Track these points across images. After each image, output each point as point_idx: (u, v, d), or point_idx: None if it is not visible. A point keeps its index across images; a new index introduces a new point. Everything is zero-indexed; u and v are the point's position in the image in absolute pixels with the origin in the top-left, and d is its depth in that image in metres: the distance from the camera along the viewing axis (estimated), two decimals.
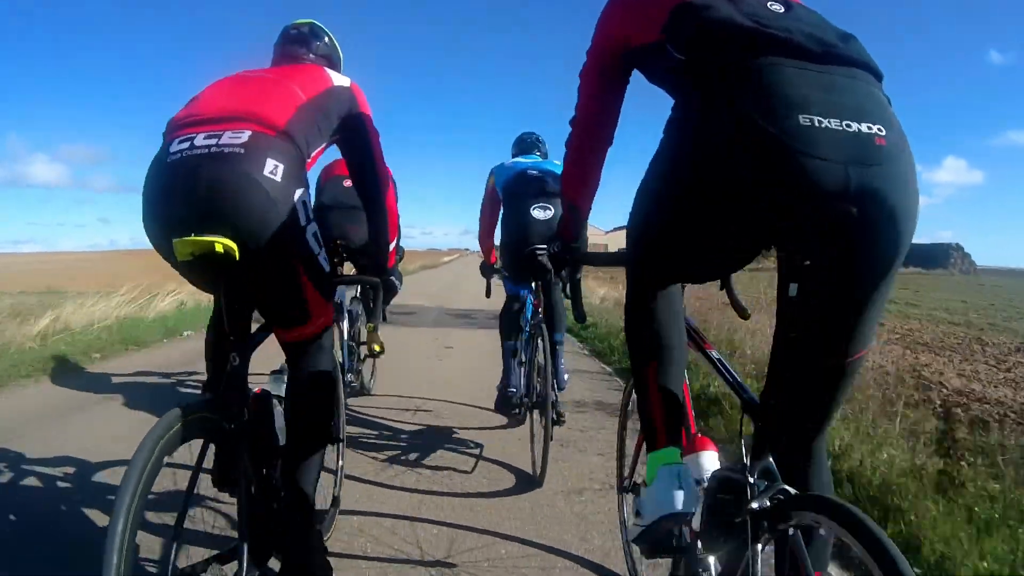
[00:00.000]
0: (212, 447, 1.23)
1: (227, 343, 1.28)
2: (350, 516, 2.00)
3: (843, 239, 0.86)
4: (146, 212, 1.27)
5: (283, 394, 1.47)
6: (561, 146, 1.32)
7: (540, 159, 3.15)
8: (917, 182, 0.89)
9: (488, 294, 3.37)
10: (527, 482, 2.41)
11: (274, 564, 1.42)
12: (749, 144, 0.85)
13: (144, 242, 1.32)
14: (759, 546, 0.90)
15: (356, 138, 1.57)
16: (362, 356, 3.34)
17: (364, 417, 3.23)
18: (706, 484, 1.13)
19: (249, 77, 1.46)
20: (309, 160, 1.40)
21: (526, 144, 3.26)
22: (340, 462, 1.94)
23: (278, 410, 1.43)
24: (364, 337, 3.38)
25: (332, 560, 1.55)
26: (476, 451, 2.79)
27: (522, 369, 2.91)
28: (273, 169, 1.24)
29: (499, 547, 1.88)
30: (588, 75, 1.21)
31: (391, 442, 2.87)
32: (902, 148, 0.87)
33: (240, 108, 1.31)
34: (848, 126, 0.84)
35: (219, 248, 1.15)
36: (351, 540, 1.87)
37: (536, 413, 2.61)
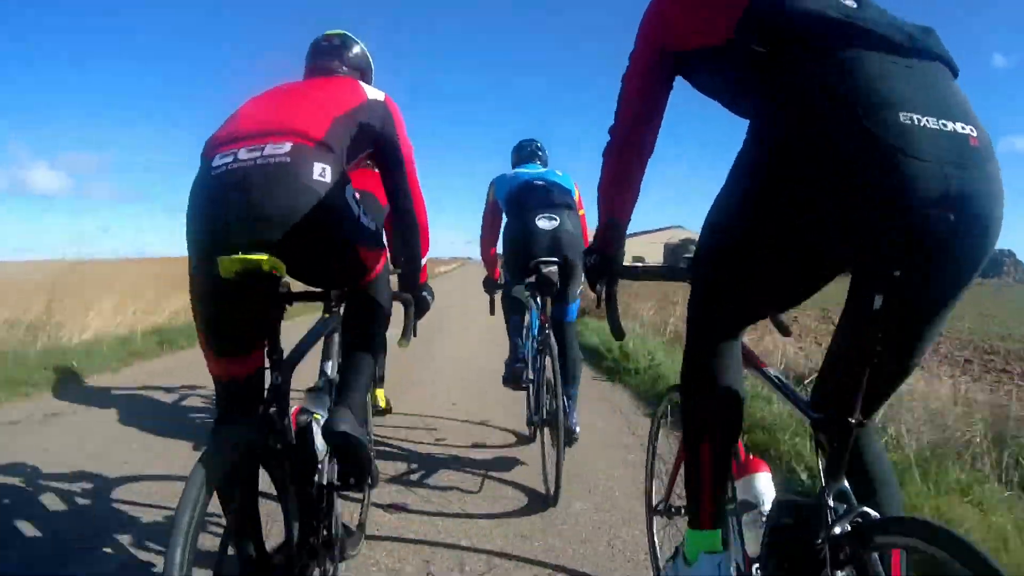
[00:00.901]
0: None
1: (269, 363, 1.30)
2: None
3: (937, 246, 0.83)
4: (192, 224, 1.29)
5: (321, 412, 1.49)
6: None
7: (541, 168, 3.12)
8: (1002, 185, 0.87)
9: (492, 311, 3.33)
10: (539, 501, 2.41)
11: None
12: (848, 142, 0.82)
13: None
14: (840, 573, 0.88)
15: (390, 152, 1.61)
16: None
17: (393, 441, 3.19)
18: (763, 508, 1.14)
19: (284, 92, 1.50)
20: (346, 171, 1.44)
21: (525, 152, 3.23)
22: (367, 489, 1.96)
23: (316, 429, 1.45)
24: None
25: None
26: (482, 470, 2.78)
27: (531, 387, 2.90)
28: (322, 172, 1.28)
29: (511, 573, 1.88)
30: (631, 80, 1.16)
31: (394, 461, 2.85)
32: (991, 150, 0.86)
33: (279, 122, 1.34)
34: (944, 125, 0.81)
35: (266, 267, 1.17)
36: (355, 564, 1.84)
37: (547, 431, 2.59)
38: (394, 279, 1.96)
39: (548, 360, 2.58)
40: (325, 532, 1.40)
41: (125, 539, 1.98)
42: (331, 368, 1.60)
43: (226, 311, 1.32)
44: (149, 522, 2.11)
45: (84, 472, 2.55)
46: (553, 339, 2.59)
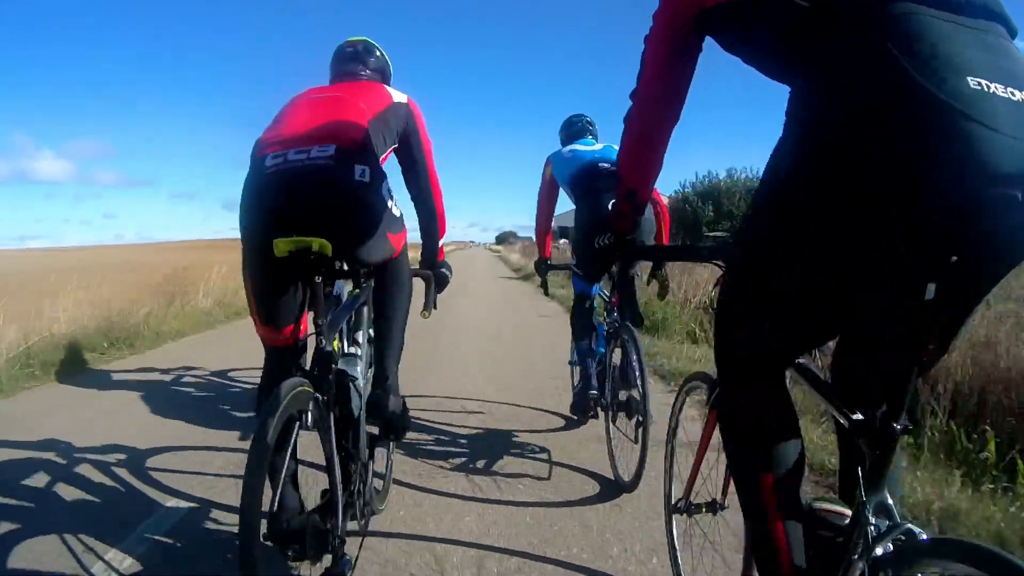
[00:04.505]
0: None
1: (314, 328, 1.57)
2: (429, 542, 2.04)
3: (1001, 229, 0.78)
4: (246, 216, 1.60)
5: (356, 375, 1.73)
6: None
7: (597, 144, 3.16)
8: None
9: (546, 291, 3.44)
10: (613, 489, 2.49)
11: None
12: (911, 110, 0.76)
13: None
14: None
15: (413, 148, 1.91)
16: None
17: (415, 420, 3.33)
18: None
19: (323, 98, 1.81)
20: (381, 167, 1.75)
21: (576, 128, 3.28)
22: (389, 459, 2.34)
23: (352, 388, 1.69)
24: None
25: None
26: (545, 456, 2.88)
27: (595, 368, 2.97)
28: (362, 173, 1.59)
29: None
30: (655, 41, 1.11)
31: (452, 447, 2.99)
32: None
33: (322, 128, 1.65)
34: (1013, 94, 0.76)
35: (315, 246, 1.46)
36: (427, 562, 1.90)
37: (611, 414, 2.69)
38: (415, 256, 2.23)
39: (620, 346, 2.65)
40: (361, 484, 1.68)
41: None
42: (361, 336, 1.92)
43: (277, 287, 1.65)
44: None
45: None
46: (630, 326, 2.61)
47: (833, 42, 0.85)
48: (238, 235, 1.63)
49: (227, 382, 4.38)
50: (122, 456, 2.80)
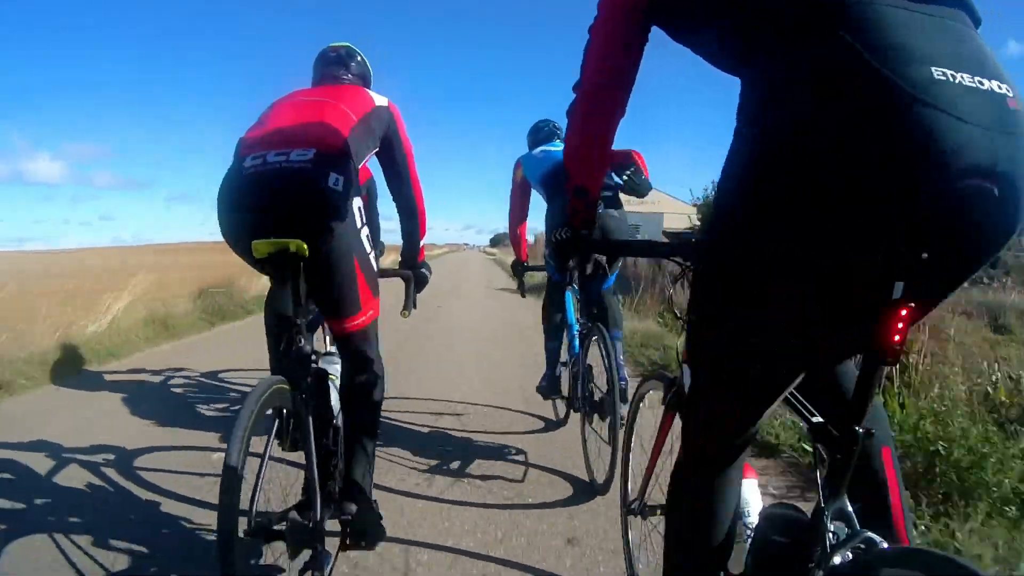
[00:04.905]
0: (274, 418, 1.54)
1: (292, 327, 1.59)
2: (404, 544, 2.04)
3: (975, 224, 0.75)
4: (224, 215, 1.64)
5: (335, 373, 1.76)
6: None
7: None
8: None
9: (523, 293, 3.52)
10: (587, 491, 2.51)
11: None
12: (875, 103, 0.73)
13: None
14: None
15: (394, 151, 1.95)
16: None
17: (389, 423, 3.35)
18: (748, 520, 1.10)
19: (307, 102, 1.84)
20: (359, 170, 1.78)
21: (544, 133, 3.37)
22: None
23: (331, 386, 1.72)
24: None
25: None
26: (521, 458, 2.90)
27: (566, 368, 2.99)
28: (335, 181, 1.61)
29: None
30: (601, 31, 1.09)
31: (427, 450, 2.98)
32: None
33: (303, 130, 1.68)
34: (980, 83, 0.73)
35: (292, 247, 1.50)
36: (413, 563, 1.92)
37: (585, 415, 2.71)
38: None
39: (593, 346, 2.66)
40: (339, 477, 1.71)
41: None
42: None
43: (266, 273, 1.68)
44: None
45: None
46: (601, 327, 2.61)
47: (787, 33, 0.82)
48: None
49: (219, 383, 4.33)
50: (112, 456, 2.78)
